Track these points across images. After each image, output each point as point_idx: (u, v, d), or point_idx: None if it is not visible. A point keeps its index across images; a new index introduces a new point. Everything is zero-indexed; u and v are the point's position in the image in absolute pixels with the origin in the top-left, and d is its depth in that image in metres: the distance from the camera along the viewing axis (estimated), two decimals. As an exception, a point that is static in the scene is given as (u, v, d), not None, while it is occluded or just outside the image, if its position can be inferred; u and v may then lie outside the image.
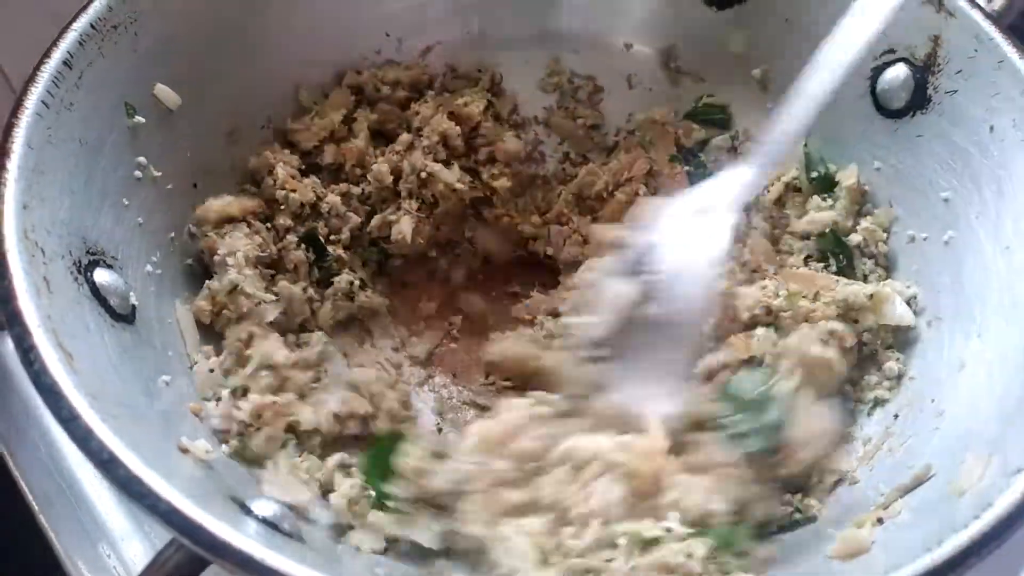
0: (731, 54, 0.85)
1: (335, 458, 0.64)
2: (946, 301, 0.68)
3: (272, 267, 0.74)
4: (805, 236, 0.78)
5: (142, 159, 0.68)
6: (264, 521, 0.52)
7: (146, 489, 0.45)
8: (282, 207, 0.75)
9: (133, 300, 0.62)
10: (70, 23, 0.64)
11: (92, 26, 0.65)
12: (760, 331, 0.69)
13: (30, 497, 0.74)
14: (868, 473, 0.63)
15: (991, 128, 0.67)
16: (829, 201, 0.78)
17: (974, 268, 0.66)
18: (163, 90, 0.71)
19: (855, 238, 0.75)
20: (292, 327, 0.72)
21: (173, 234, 0.70)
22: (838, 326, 0.68)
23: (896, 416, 0.67)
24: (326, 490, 0.62)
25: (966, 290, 0.66)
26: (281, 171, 0.76)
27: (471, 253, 0.86)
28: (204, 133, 0.75)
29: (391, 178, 0.80)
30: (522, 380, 0.74)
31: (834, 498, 0.63)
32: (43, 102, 0.59)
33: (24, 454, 0.75)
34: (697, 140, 0.87)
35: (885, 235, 0.75)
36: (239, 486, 0.56)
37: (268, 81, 0.80)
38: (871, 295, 0.69)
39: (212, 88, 0.75)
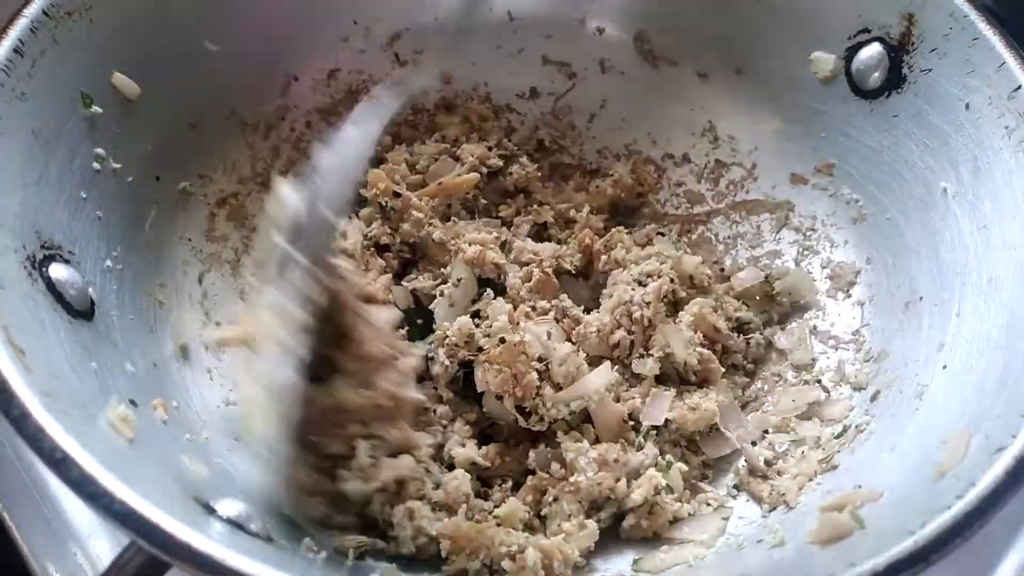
0: (705, 38, 0.84)
1: None
2: (924, 281, 0.68)
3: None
4: None
5: (100, 150, 0.66)
6: (229, 521, 0.50)
7: (100, 489, 0.43)
8: None
9: (92, 295, 0.60)
10: (21, 9, 0.62)
11: (44, 12, 0.62)
12: None
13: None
14: (849, 456, 0.62)
15: (967, 106, 0.67)
16: None
17: (952, 247, 0.66)
18: (121, 79, 0.68)
19: None
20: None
21: (135, 228, 0.68)
22: None
23: (874, 399, 0.66)
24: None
25: (944, 269, 0.66)
26: None
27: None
28: (166, 123, 0.72)
29: None
30: None
31: (814, 482, 0.62)
32: (-8, 91, 0.57)
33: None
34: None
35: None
36: (203, 486, 0.54)
37: (231, 70, 0.78)
38: None
39: (173, 77, 0.73)
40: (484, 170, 0.83)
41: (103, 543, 0.71)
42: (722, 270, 0.81)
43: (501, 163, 0.84)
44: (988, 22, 0.66)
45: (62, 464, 0.44)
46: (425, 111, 0.88)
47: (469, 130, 0.87)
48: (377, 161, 0.81)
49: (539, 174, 0.85)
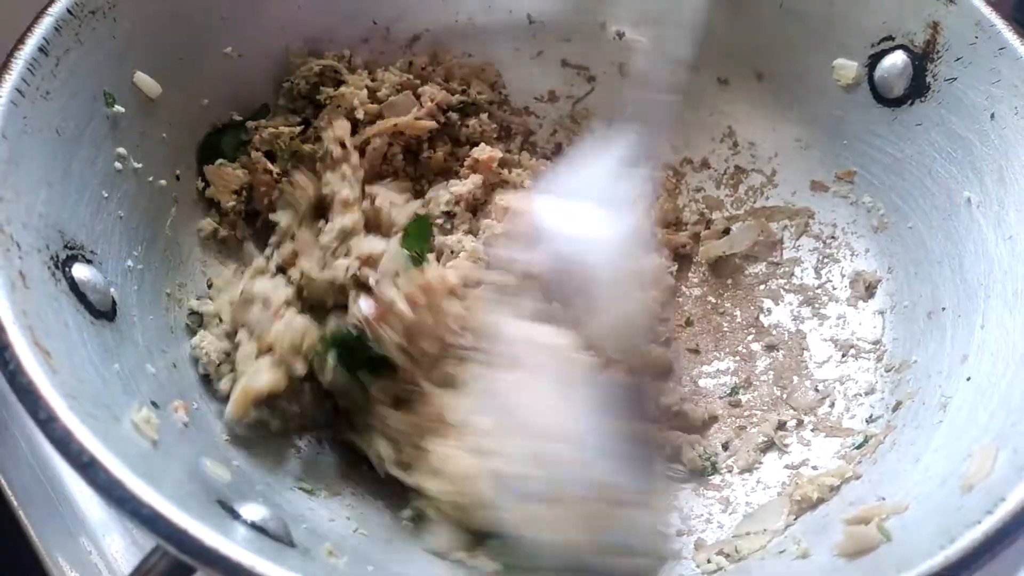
0: (726, 43, 0.84)
1: None
2: (947, 292, 0.67)
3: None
4: None
5: (122, 150, 0.65)
6: (253, 526, 0.50)
7: (128, 494, 0.43)
8: None
9: (114, 296, 0.60)
10: (45, 8, 0.61)
11: (69, 11, 0.62)
12: None
13: (9, 493, 0.72)
14: (871, 467, 0.62)
15: (992, 116, 0.66)
16: None
17: (976, 258, 0.65)
18: (143, 78, 0.68)
19: None
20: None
21: (155, 228, 0.68)
22: None
23: (896, 409, 0.66)
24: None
25: (968, 280, 0.65)
26: None
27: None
28: (186, 123, 0.72)
29: None
30: None
31: (838, 494, 0.62)
32: (18, 90, 0.57)
33: (3, 449, 0.73)
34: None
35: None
36: (227, 490, 0.54)
37: (252, 70, 0.77)
38: None
39: (194, 76, 0.72)
40: (441, 118, 0.81)
41: (117, 540, 0.71)
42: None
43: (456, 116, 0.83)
44: (1015, 31, 0.66)
45: (89, 468, 0.44)
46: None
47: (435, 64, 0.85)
48: (336, 83, 0.80)
49: (495, 134, 0.84)
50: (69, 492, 0.72)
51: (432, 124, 0.80)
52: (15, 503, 0.72)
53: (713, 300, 0.81)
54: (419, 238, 0.71)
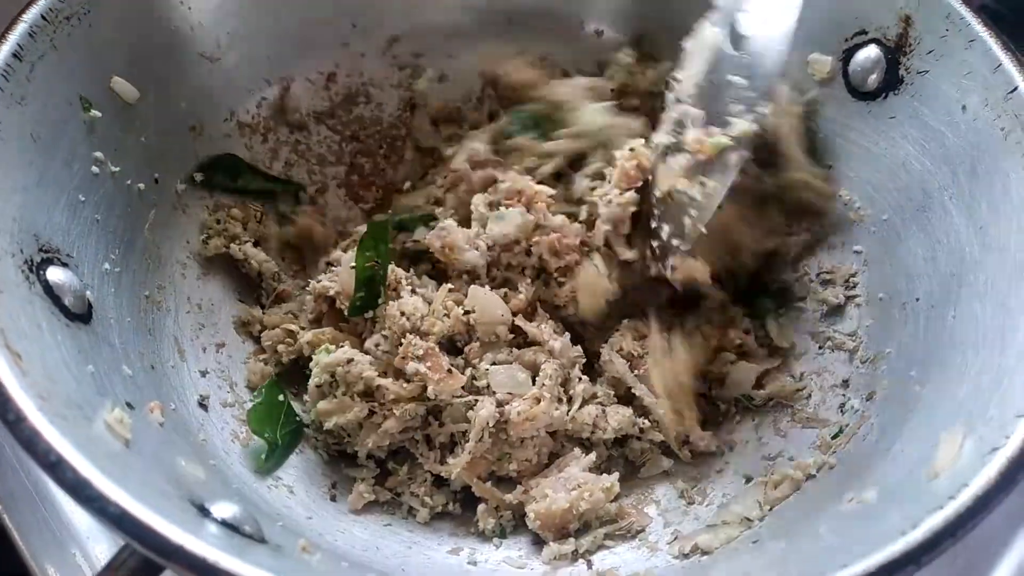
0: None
1: None
2: (921, 283, 0.67)
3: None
4: None
5: (99, 154, 0.66)
6: (223, 523, 0.50)
7: (95, 493, 0.44)
8: None
9: (90, 298, 0.60)
10: (20, 14, 0.62)
11: (43, 17, 0.63)
12: None
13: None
14: (845, 457, 0.62)
15: (963, 107, 0.67)
16: None
17: (948, 249, 0.66)
18: (120, 83, 0.69)
19: None
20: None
21: (133, 231, 0.69)
22: None
23: (870, 399, 0.66)
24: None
25: (941, 271, 0.66)
26: None
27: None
28: (165, 127, 0.73)
29: None
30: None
31: (812, 483, 0.62)
32: (-8, 96, 0.57)
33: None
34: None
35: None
36: (201, 489, 0.54)
37: (230, 73, 0.78)
38: None
39: (172, 81, 0.73)
40: None
41: (102, 544, 0.71)
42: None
43: None
44: (984, 23, 0.66)
45: (56, 467, 0.44)
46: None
47: None
48: None
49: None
50: (55, 498, 0.73)
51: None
52: (0, 508, 0.72)
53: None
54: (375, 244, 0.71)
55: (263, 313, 0.76)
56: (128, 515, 0.43)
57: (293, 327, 0.73)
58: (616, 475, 0.68)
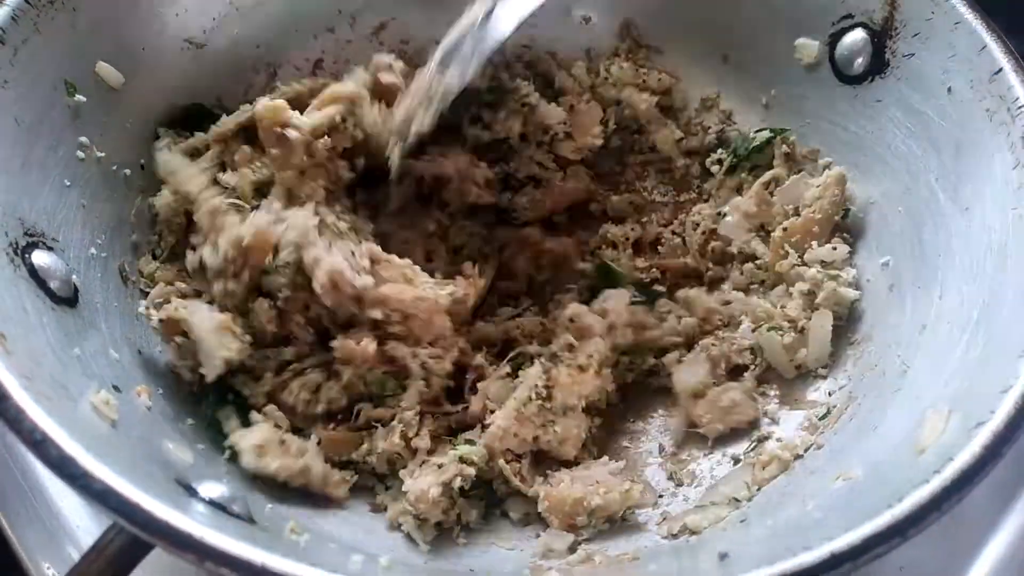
0: (690, 26, 0.84)
1: None
2: (908, 265, 0.68)
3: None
4: None
5: (84, 139, 0.66)
6: (211, 503, 0.50)
7: (80, 470, 0.43)
8: None
9: (76, 282, 0.60)
10: (2, -2, 0.62)
11: (27, 1, 0.62)
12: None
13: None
14: (833, 437, 0.63)
15: (949, 90, 0.67)
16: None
17: (935, 230, 0.66)
18: (106, 68, 0.69)
19: None
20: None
21: (120, 216, 0.68)
22: None
23: (858, 380, 0.67)
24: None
25: (927, 252, 0.66)
26: None
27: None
28: (151, 112, 0.73)
29: None
30: None
31: (800, 464, 0.62)
32: (-26, 79, 0.57)
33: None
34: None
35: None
36: (188, 471, 0.54)
37: (217, 59, 0.78)
38: None
39: (158, 66, 0.73)
40: None
41: (94, 535, 0.70)
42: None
43: None
44: (969, 5, 0.67)
45: (41, 445, 0.44)
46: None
47: None
48: None
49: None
50: (49, 494, 0.71)
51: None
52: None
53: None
54: None
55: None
56: (113, 491, 0.43)
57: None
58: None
